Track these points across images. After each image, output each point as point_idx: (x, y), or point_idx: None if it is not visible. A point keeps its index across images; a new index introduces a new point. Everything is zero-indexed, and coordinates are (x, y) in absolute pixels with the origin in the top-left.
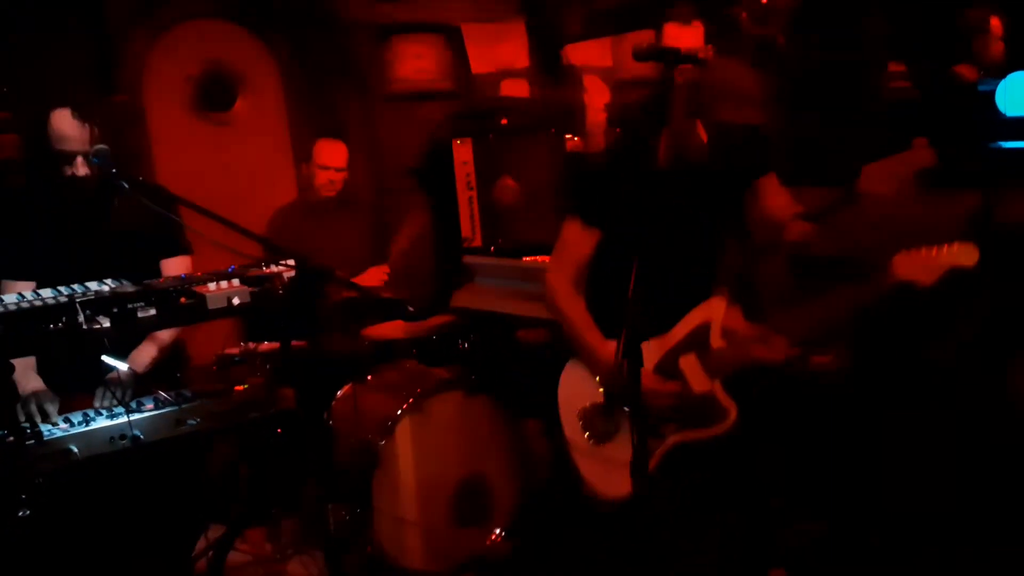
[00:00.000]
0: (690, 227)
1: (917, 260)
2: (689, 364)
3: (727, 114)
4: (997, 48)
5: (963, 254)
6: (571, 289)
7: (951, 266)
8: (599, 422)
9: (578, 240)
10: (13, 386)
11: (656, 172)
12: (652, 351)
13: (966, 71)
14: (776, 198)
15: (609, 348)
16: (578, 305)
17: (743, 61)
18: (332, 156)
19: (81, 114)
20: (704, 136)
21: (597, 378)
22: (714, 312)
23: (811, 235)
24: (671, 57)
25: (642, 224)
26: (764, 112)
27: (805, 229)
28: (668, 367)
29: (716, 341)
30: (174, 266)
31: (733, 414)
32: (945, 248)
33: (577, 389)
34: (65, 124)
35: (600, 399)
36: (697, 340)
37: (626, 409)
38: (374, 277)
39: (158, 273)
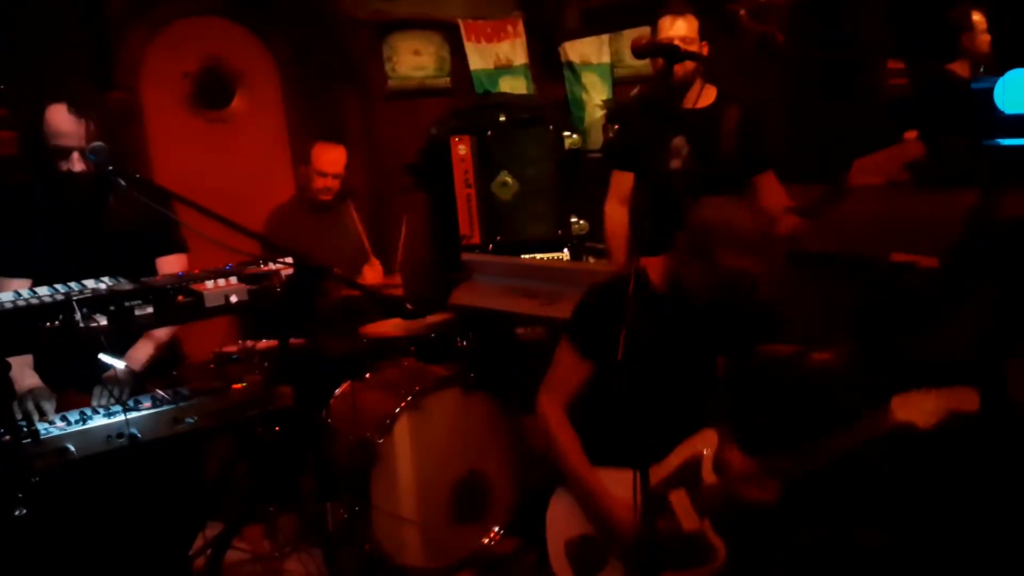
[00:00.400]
0: (685, 354)
1: (916, 403)
2: (679, 500)
3: (729, 260)
4: (984, 40)
5: (964, 398)
6: (562, 415)
7: (951, 410)
8: (584, 556)
9: (572, 368)
10: (9, 384)
11: (653, 299)
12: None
13: (959, 68)
14: (772, 196)
15: (595, 477)
16: (568, 433)
17: (742, 203)
18: (330, 162)
19: (77, 109)
20: (704, 275)
21: (584, 510)
22: (706, 445)
23: (802, 229)
24: (671, 53)
25: (636, 354)
26: (765, 260)
27: (795, 223)
28: (657, 502)
29: (708, 476)
30: (169, 264)
31: (722, 553)
32: (945, 392)
33: (564, 519)
34: (61, 119)
35: (587, 531)
36: (688, 474)
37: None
38: (372, 273)
39: (154, 271)
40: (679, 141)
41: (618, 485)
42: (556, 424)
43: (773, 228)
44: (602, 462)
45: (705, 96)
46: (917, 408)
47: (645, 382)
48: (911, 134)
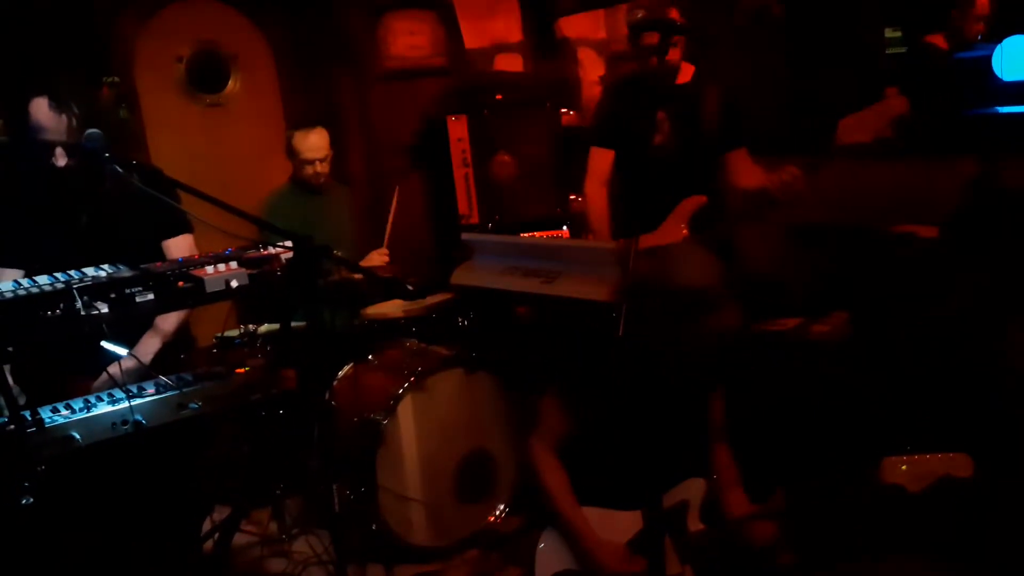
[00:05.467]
0: (672, 397)
1: (907, 467)
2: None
3: (694, 321)
4: (977, 27)
5: (957, 464)
6: (551, 457)
7: (943, 476)
8: None
9: (557, 416)
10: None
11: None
12: (628, 524)
13: (939, 41)
14: (744, 173)
15: (582, 517)
16: (556, 475)
17: (705, 248)
18: (313, 148)
19: (58, 104)
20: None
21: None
22: (694, 493)
23: (800, 185)
24: (666, 28)
25: (621, 401)
26: (729, 313)
27: (794, 176)
28: (641, 545)
29: (693, 524)
30: (176, 246)
31: None
32: (939, 456)
33: (553, 554)
34: (41, 114)
35: (573, 567)
36: (673, 520)
37: None
38: (375, 261)
39: (160, 255)
40: (661, 116)
41: (603, 525)
42: (544, 466)
43: (759, 198)
44: (591, 501)
45: (683, 73)
46: (908, 472)
47: (630, 428)
48: (892, 90)
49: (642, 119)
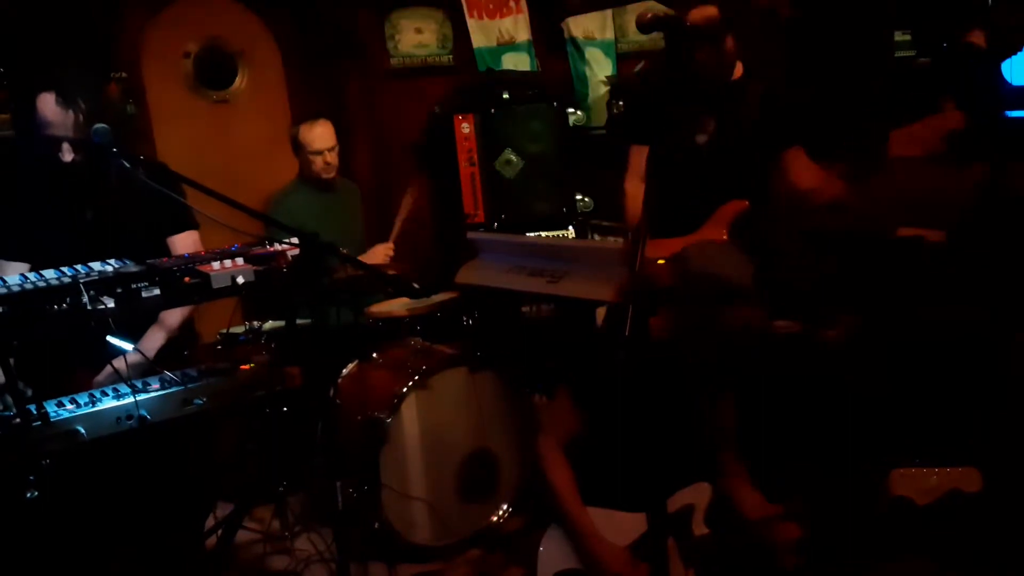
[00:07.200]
0: (681, 399)
1: (916, 480)
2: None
3: (723, 315)
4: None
5: (965, 479)
6: (558, 455)
7: (951, 490)
8: None
9: (568, 413)
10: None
11: (644, 341)
12: (633, 526)
13: (976, 38)
14: (802, 173)
15: (587, 518)
16: (562, 473)
17: (734, 245)
18: (320, 138)
19: (65, 99)
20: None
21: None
22: (699, 497)
23: (845, 196)
24: (676, 27)
25: (629, 400)
26: (757, 310)
27: (839, 188)
28: (645, 549)
29: (698, 528)
30: (182, 242)
31: None
32: (947, 471)
33: (556, 553)
34: (48, 109)
35: (575, 567)
36: (678, 524)
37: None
38: (379, 255)
39: (165, 251)
40: (708, 117)
41: (608, 527)
42: (551, 464)
43: (810, 198)
44: (597, 502)
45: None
46: (916, 485)
47: (638, 429)
48: (950, 104)
49: (683, 117)
